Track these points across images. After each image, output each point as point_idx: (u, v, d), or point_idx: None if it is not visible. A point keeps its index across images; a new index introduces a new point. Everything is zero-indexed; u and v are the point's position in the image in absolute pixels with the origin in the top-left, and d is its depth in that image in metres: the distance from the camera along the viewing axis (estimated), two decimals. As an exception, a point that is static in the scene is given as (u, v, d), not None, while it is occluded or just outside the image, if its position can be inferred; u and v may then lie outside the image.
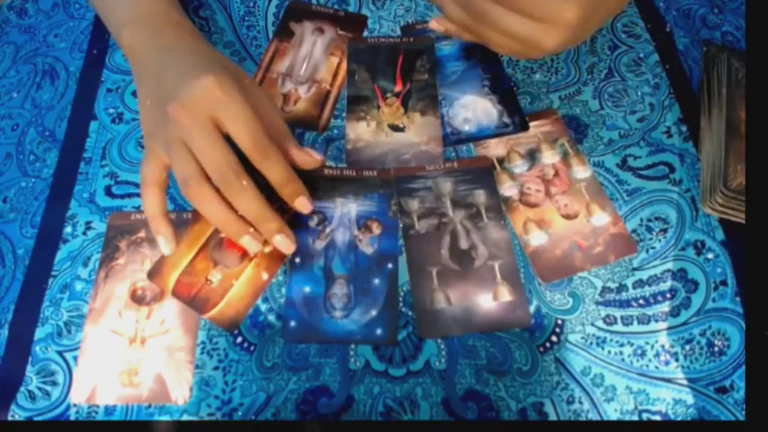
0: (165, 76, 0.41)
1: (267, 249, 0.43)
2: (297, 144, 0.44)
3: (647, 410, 0.39)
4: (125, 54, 0.46)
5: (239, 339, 0.41)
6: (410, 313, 0.42)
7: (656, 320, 0.42)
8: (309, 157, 0.44)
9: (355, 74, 0.51)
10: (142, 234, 0.44)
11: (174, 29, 0.44)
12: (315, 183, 0.46)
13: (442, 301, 0.42)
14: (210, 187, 0.39)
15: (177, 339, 0.41)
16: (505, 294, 0.42)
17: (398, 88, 0.50)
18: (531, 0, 0.38)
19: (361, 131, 0.48)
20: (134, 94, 0.50)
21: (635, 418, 0.39)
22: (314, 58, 0.53)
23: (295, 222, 0.44)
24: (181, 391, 0.39)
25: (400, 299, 0.42)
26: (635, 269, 0.43)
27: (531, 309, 0.42)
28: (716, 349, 0.40)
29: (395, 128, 0.49)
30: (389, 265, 0.43)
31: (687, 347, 0.41)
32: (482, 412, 0.39)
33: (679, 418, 0.39)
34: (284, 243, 0.41)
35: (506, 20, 0.40)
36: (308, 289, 0.42)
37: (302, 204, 0.42)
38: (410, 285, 0.42)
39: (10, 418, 0.39)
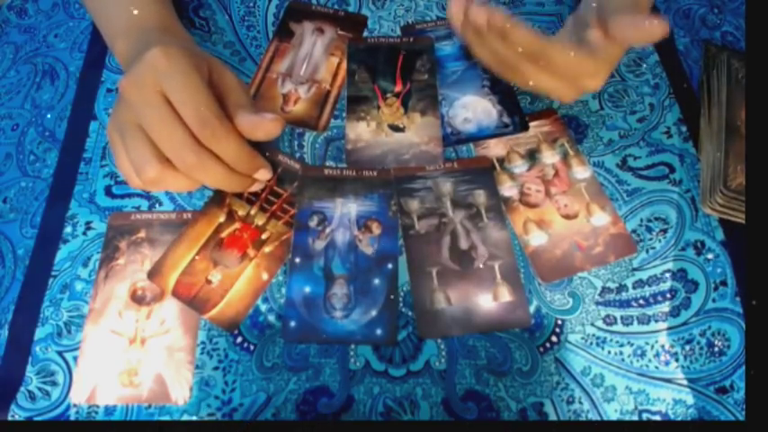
0: None
1: (267, 249, 0.43)
2: (247, 113, 0.39)
3: (647, 410, 0.39)
4: (119, 63, 0.45)
5: (239, 339, 0.41)
6: (410, 313, 0.42)
7: (656, 321, 0.42)
8: (257, 128, 0.39)
9: (355, 74, 0.51)
10: (142, 234, 0.44)
11: (163, 34, 0.43)
12: (315, 183, 0.46)
13: (442, 301, 0.42)
14: (170, 166, 0.37)
15: (177, 339, 0.41)
16: (505, 294, 0.42)
17: (398, 88, 0.50)
18: (564, 68, 0.41)
19: (361, 131, 0.48)
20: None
21: (635, 418, 0.39)
22: (314, 58, 0.53)
23: (294, 223, 0.44)
24: (181, 392, 0.39)
25: (400, 299, 0.42)
26: (635, 269, 0.43)
27: (531, 309, 0.42)
28: (716, 349, 0.40)
29: (395, 128, 0.49)
30: (389, 265, 0.43)
31: (687, 347, 0.41)
32: (482, 412, 0.39)
33: (679, 419, 0.39)
34: (264, 175, 0.42)
35: (536, 76, 0.42)
36: (308, 289, 0.42)
37: (262, 174, 0.41)
38: (410, 285, 0.42)
39: (10, 418, 0.39)
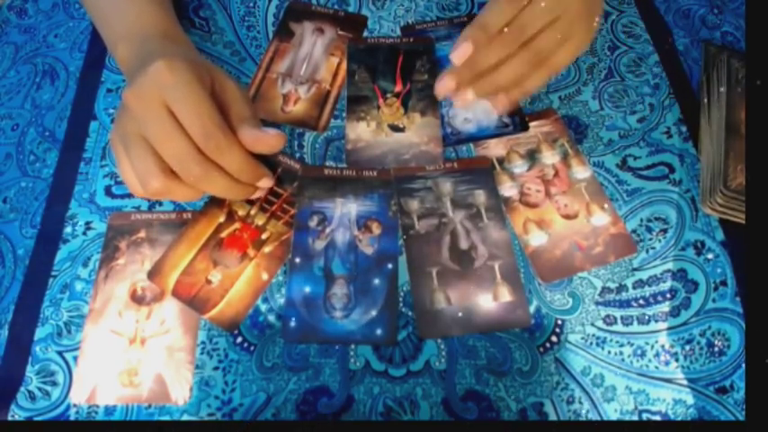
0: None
1: (267, 249, 0.43)
2: (250, 127, 0.39)
3: (647, 410, 0.39)
4: (120, 68, 0.45)
5: (239, 339, 0.41)
6: (410, 313, 0.42)
7: (656, 321, 0.42)
8: (259, 143, 0.40)
9: (355, 74, 0.51)
10: (142, 234, 0.44)
11: (163, 40, 0.43)
12: (315, 183, 0.46)
13: (442, 301, 0.42)
14: (174, 178, 0.38)
15: (177, 339, 0.41)
16: (505, 294, 0.42)
17: (398, 88, 0.50)
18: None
19: (361, 131, 0.48)
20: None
21: (635, 418, 0.39)
22: (314, 58, 0.53)
23: (294, 223, 0.44)
24: (181, 392, 0.39)
25: (400, 299, 0.42)
26: (635, 269, 0.43)
27: (531, 309, 0.42)
28: (716, 349, 0.40)
29: (395, 128, 0.49)
30: (389, 265, 0.43)
31: (687, 348, 0.41)
32: (482, 412, 0.39)
33: (679, 419, 0.39)
34: (267, 184, 0.42)
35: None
36: (308, 289, 0.42)
37: (264, 183, 0.42)
38: (410, 285, 0.42)
39: (10, 418, 0.39)
